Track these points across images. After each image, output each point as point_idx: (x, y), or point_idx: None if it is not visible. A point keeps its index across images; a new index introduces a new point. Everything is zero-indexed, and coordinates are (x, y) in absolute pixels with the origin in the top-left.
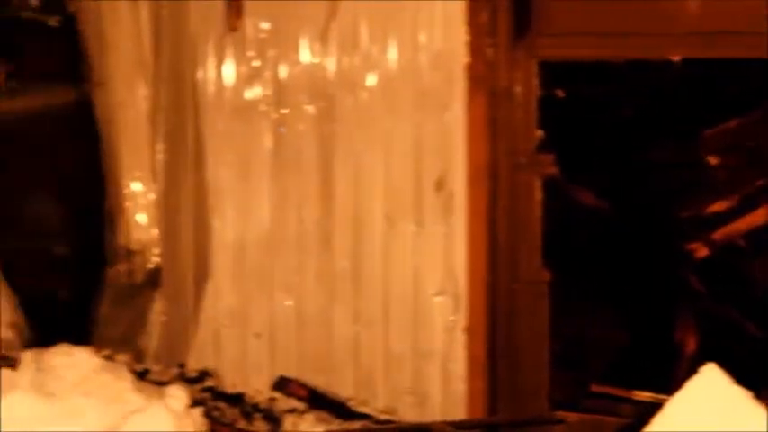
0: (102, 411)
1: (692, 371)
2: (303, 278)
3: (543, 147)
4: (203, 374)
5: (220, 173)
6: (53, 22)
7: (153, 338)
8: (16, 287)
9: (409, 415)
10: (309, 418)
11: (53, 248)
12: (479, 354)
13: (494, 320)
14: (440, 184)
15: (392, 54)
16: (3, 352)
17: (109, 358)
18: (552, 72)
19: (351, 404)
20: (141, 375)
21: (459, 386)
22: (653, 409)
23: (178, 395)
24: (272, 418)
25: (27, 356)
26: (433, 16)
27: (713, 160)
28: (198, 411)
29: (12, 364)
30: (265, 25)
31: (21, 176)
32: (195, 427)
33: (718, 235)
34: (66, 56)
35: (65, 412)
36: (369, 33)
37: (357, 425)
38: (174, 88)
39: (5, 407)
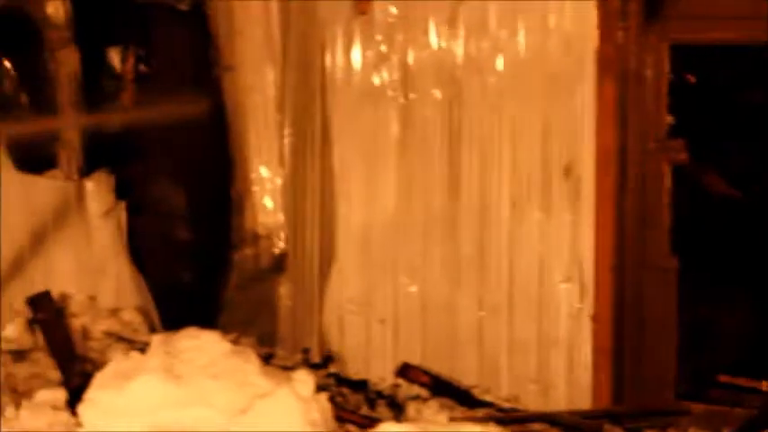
0: (230, 394)
1: None
2: (428, 264)
3: (673, 132)
4: (327, 360)
5: (347, 158)
6: (183, 6)
7: (277, 323)
8: (146, 272)
9: (533, 404)
10: (433, 404)
11: (180, 233)
12: (605, 342)
13: (621, 308)
14: (568, 170)
15: (521, 38)
16: (132, 336)
17: (234, 342)
18: (684, 57)
19: (474, 392)
20: (266, 359)
21: (585, 375)
22: None
23: (305, 380)
24: (396, 405)
25: (156, 340)
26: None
27: None
28: (324, 396)
29: (141, 347)
30: (394, 9)
31: (150, 163)
32: (321, 413)
33: None
34: (194, 40)
35: (193, 395)
36: (497, 17)
37: (480, 413)
38: (302, 73)
39: (135, 389)
